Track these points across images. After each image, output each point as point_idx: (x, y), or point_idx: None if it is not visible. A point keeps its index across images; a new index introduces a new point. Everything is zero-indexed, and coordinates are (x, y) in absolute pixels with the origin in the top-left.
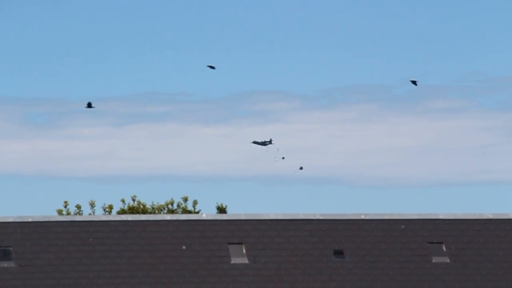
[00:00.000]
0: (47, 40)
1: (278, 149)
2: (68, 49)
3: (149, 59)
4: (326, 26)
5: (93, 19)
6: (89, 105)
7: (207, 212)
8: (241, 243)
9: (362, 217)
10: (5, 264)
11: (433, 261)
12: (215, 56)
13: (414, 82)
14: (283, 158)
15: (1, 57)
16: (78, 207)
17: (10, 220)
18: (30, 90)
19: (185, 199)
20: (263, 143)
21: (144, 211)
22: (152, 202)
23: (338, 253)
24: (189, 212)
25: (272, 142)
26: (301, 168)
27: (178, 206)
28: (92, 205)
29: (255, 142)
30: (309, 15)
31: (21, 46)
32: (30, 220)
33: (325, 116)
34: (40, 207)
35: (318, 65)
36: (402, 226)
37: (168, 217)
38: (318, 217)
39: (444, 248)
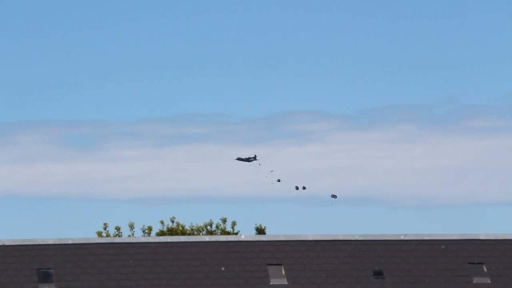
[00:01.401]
0: (88, 62)
1: (260, 164)
2: (108, 72)
3: (188, 81)
4: (365, 47)
5: (133, 42)
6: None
7: (246, 233)
8: (280, 264)
9: (402, 237)
10: (46, 286)
11: (474, 281)
12: (254, 77)
13: (334, 196)
14: (278, 180)
15: (42, 80)
16: (118, 228)
17: (51, 242)
18: (71, 112)
19: (224, 220)
20: (247, 160)
21: (183, 233)
22: (191, 223)
23: (378, 273)
24: (228, 233)
25: (257, 158)
26: (334, 197)
27: (217, 227)
28: (132, 226)
29: (239, 159)
30: (348, 36)
31: (61, 69)
32: (70, 242)
33: (365, 136)
34: (80, 229)
35: (357, 85)
36: (442, 247)
37: (207, 238)
38: (357, 237)
39: (485, 269)
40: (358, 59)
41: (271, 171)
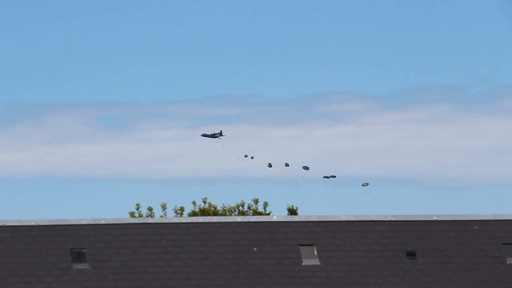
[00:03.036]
0: (121, 44)
1: (222, 135)
2: (141, 53)
3: (221, 62)
4: (398, 26)
5: (165, 24)
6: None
7: (278, 214)
8: (312, 245)
9: (435, 218)
10: (79, 266)
11: (508, 262)
12: (287, 58)
13: (365, 184)
14: (252, 157)
15: (75, 61)
16: (150, 209)
17: (84, 222)
18: (104, 93)
19: (256, 201)
20: (213, 136)
21: (215, 213)
22: (223, 204)
23: (411, 254)
24: (260, 213)
25: (223, 134)
26: (366, 185)
27: (248, 208)
28: (164, 207)
29: (204, 135)
30: (380, 16)
31: (94, 51)
32: (103, 222)
33: (398, 117)
34: (113, 210)
35: (390, 66)
36: (476, 227)
37: (239, 219)
38: (390, 218)
39: None
40: (391, 39)
41: (245, 155)
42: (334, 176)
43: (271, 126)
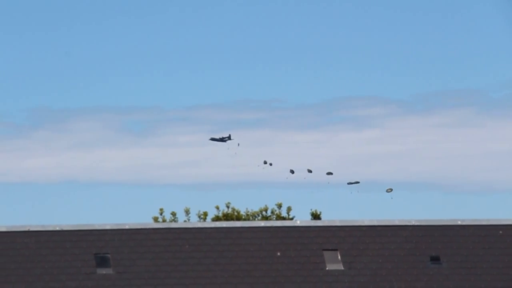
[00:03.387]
0: (143, 50)
1: (238, 144)
2: (164, 58)
3: (243, 67)
4: (421, 31)
5: (189, 29)
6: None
7: (301, 219)
8: (336, 250)
9: (459, 222)
10: (103, 271)
11: None
12: (309, 62)
13: (389, 190)
14: (270, 164)
15: (98, 66)
16: (174, 214)
17: (108, 227)
18: (127, 99)
19: (279, 206)
20: (222, 139)
21: (239, 218)
22: (246, 208)
23: (435, 259)
24: (283, 218)
25: (231, 138)
26: (390, 190)
27: (272, 212)
28: (187, 212)
29: (212, 139)
30: (403, 21)
31: (117, 56)
32: (127, 227)
33: (421, 121)
34: (136, 215)
35: (413, 70)
36: (500, 232)
37: (263, 223)
38: (414, 223)
39: None
40: (414, 44)
41: (265, 162)
42: (357, 182)
43: (293, 130)
